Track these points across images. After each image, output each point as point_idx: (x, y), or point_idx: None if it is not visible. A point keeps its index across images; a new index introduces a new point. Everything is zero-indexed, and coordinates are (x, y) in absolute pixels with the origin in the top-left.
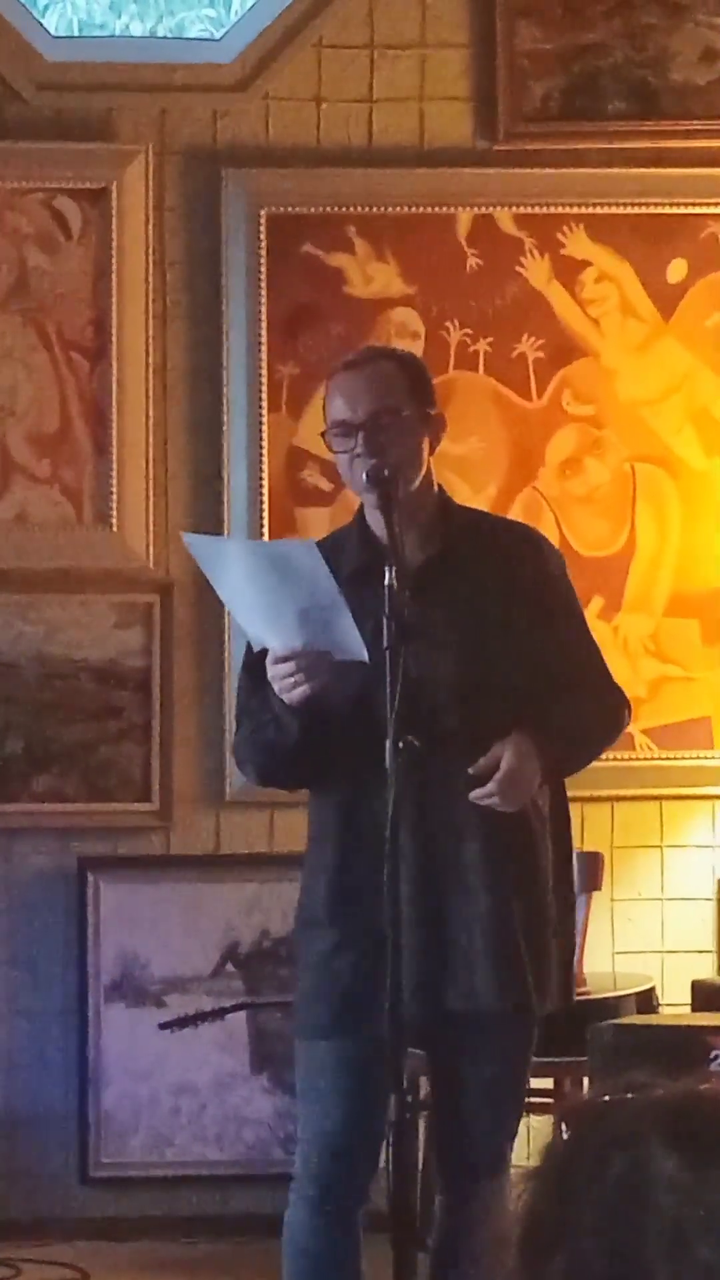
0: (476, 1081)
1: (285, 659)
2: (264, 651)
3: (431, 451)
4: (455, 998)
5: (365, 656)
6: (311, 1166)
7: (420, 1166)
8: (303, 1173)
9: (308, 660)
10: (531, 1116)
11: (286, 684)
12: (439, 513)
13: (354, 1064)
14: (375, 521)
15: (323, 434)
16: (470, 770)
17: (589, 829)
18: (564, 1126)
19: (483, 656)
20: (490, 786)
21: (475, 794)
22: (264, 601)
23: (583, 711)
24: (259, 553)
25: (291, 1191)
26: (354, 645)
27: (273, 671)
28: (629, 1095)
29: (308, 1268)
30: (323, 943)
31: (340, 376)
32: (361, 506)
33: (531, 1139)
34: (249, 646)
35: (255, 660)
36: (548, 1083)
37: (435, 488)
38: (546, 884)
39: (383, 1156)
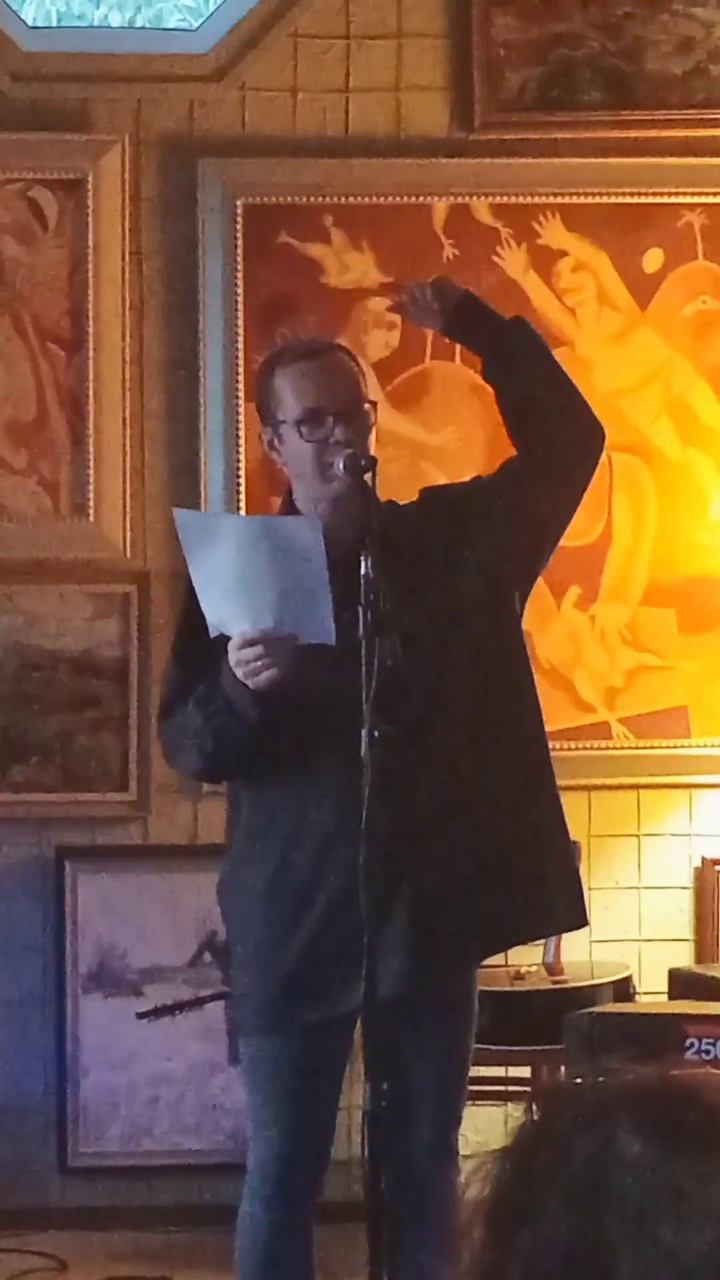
0: (416, 1068)
1: (253, 642)
2: (207, 641)
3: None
4: (384, 985)
5: (334, 640)
6: (264, 1165)
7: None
8: (256, 1171)
9: (276, 643)
10: (509, 1104)
11: (254, 667)
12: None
13: (299, 1058)
14: (310, 510)
15: (281, 424)
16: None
17: (566, 818)
18: (535, 1108)
19: (424, 644)
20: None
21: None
22: (244, 582)
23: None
24: (258, 528)
25: (245, 1187)
26: (326, 628)
27: (238, 655)
28: (600, 1079)
29: (263, 1265)
30: (263, 938)
31: (303, 365)
32: (289, 494)
33: (508, 1126)
34: (181, 634)
35: (201, 647)
36: (525, 1071)
37: None
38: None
39: (349, 1146)
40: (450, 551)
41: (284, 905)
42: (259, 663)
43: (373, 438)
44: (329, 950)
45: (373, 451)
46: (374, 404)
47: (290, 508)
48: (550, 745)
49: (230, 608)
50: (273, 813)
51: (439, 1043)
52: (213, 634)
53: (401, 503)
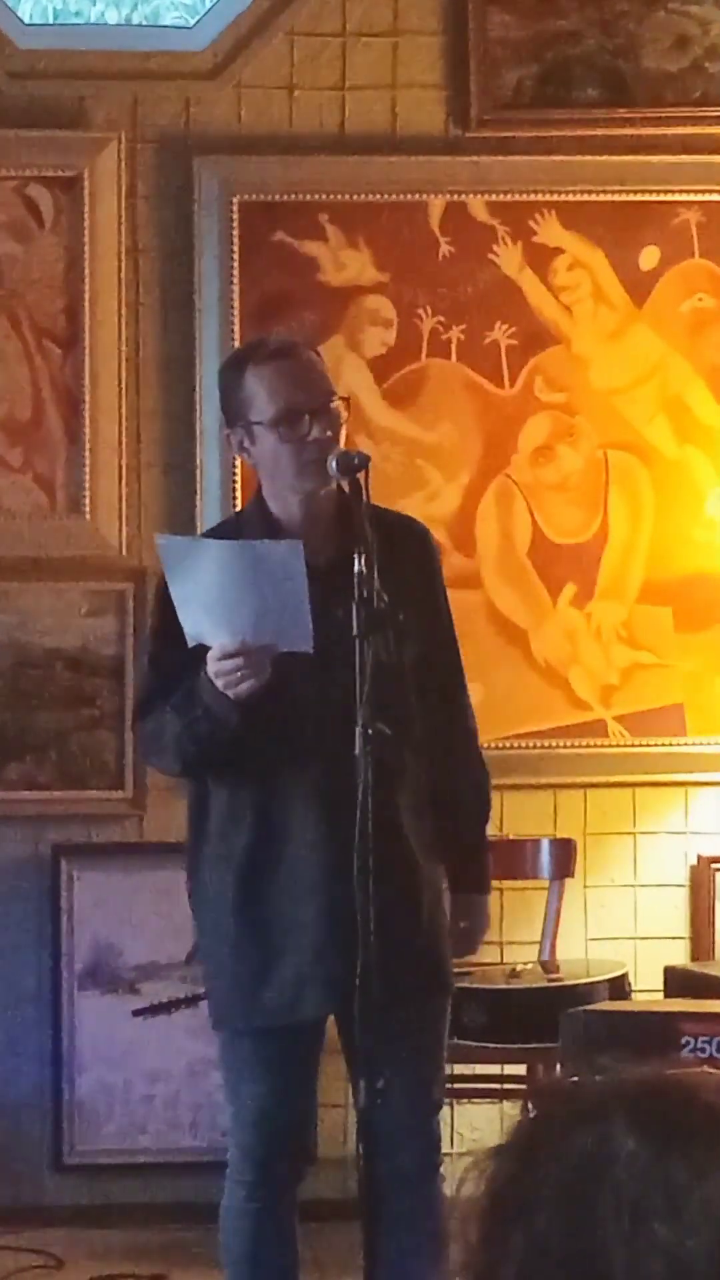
0: (393, 1056)
1: (233, 654)
2: (182, 643)
3: None
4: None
5: (311, 648)
6: (246, 1153)
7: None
8: (238, 1159)
9: (255, 654)
10: (504, 1102)
11: (233, 679)
12: (338, 508)
13: (276, 1051)
14: (283, 508)
15: (254, 424)
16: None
17: (562, 816)
18: (530, 1106)
19: (394, 647)
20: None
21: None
22: (225, 600)
23: (482, 796)
24: (238, 552)
25: (227, 1179)
26: (305, 637)
27: (217, 667)
28: (596, 1077)
29: (246, 1252)
30: (233, 936)
31: (278, 364)
32: (259, 492)
33: (504, 1125)
34: (156, 637)
35: (176, 649)
36: (520, 1068)
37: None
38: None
39: (343, 1145)
40: (403, 586)
41: (251, 907)
42: (238, 674)
43: (343, 432)
44: (295, 956)
45: (348, 446)
46: (345, 400)
47: (261, 506)
48: (547, 742)
49: (210, 622)
50: (243, 812)
51: (416, 1029)
52: (190, 644)
53: (385, 509)
